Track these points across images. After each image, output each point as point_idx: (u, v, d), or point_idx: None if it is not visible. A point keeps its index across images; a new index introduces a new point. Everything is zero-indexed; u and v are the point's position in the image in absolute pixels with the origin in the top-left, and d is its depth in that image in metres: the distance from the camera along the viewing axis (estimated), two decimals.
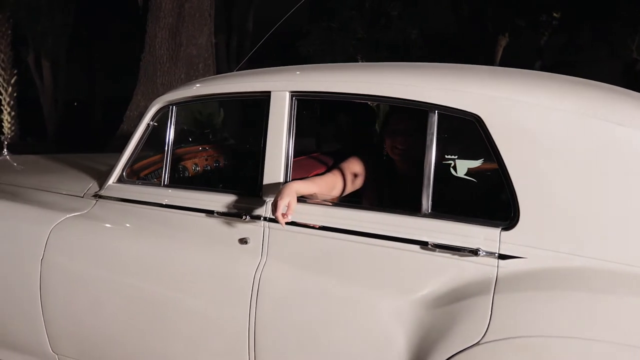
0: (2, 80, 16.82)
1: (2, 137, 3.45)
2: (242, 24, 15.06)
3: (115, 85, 23.01)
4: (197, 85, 2.20)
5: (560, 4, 11.55)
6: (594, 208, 1.51)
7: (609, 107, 1.61)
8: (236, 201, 1.96)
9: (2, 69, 16.70)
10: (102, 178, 2.33)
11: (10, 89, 16.82)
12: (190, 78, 6.05)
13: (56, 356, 2.28)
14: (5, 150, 3.06)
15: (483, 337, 1.48)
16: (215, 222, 1.98)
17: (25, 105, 17.43)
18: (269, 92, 1.94)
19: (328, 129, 2.74)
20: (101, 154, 2.97)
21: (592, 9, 11.25)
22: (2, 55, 16.58)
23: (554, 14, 11.67)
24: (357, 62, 15.75)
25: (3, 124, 17.07)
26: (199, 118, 3.76)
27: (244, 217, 1.90)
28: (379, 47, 14.53)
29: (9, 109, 16.80)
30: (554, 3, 11.62)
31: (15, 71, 17.05)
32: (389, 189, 2.11)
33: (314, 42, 15.07)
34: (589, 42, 12.66)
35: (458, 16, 12.32)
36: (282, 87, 1.92)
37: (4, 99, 16.81)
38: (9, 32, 16.42)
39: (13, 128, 17.07)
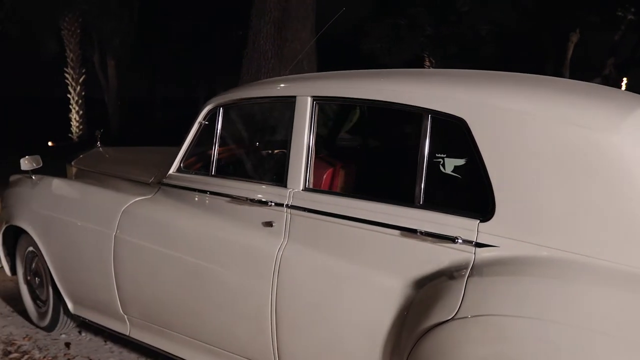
0: (70, 80, 17.74)
1: (97, 132, 4.02)
2: None
3: (175, 85, 23.88)
4: (240, 90, 2.72)
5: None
6: (561, 205, 1.74)
7: (584, 113, 1.84)
8: (265, 190, 2.38)
9: (71, 68, 17.66)
10: (165, 168, 2.82)
11: (78, 88, 17.74)
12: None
13: (125, 316, 2.84)
14: (98, 142, 3.71)
15: (456, 314, 1.75)
16: (247, 207, 2.42)
17: (91, 104, 18.26)
18: (295, 96, 2.35)
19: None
20: (168, 147, 3.54)
21: None
22: (72, 55, 17.51)
23: (632, 9, 11.35)
24: (424, 59, 15.83)
25: (72, 122, 18.02)
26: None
27: (270, 203, 2.33)
28: (448, 44, 14.59)
29: (77, 108, 17.72)
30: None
31: (84, 70, 17.93)
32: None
33: (380, 39, 15.26)
34: None
35: (528, 12, 12.27)
36: (305, 92, 2.33)
37: (73, 97, 17.74)
38: (78, 31, 17.31)
39: (81, 127, 17.89)
